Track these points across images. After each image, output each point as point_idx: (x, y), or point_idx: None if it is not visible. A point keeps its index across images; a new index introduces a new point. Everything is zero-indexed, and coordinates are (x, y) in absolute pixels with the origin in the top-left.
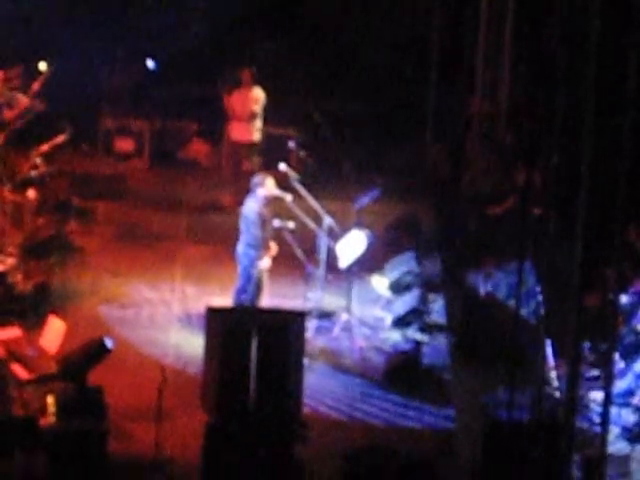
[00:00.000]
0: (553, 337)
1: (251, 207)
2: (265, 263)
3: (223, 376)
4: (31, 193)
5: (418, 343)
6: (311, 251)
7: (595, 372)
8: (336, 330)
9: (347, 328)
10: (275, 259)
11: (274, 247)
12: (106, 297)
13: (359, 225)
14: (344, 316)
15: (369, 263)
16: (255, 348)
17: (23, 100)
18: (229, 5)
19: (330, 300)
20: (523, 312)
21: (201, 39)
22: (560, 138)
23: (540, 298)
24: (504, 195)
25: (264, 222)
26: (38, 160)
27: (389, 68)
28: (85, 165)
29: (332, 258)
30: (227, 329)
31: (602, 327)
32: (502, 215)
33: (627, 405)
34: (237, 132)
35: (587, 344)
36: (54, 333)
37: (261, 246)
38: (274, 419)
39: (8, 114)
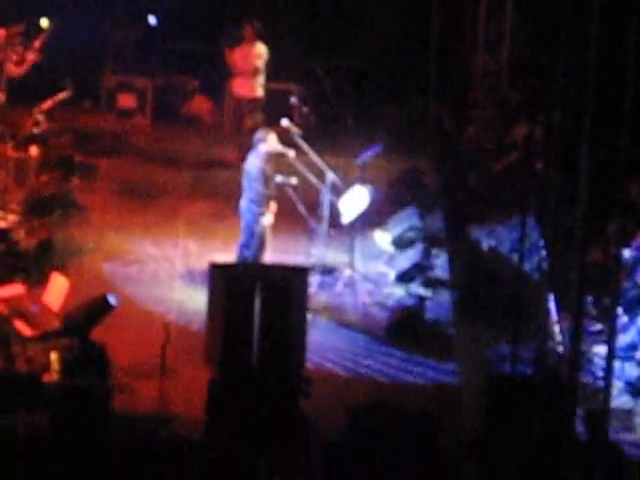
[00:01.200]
0: (556, 291)
1: (253, 163)
2: (267, 219)
3: (226, 332)
4: (33, 150)
5: (421, 298)
6: (314, 207)
7: (598, 326)
8: (339, 286)
9: (350, 284)
10: (278, 215)
11: (273, 205)
12: (109, 254)
13: (362, 180)
14: (347, 272)
15: (372, 218)
16: (258, 304)
17: (30, 56)
18: None
19: (333, 256)
20: (526, 267)
21: None
22: (562, 93)
23: (543, 253)
24: (507, 150)
25: (266, 178)
26: (40, 117)
27: (391, 23)
28: (87, 122)
29: (335, 214)
30: (230, 285)
31: (605, 281)
32: (505, 170)
33: (630, 359)
34: (240, 88)
35: (590, 298)
36: (57, 290)
37: (264, 202)
38: (277, 375)
39: (14, 70)
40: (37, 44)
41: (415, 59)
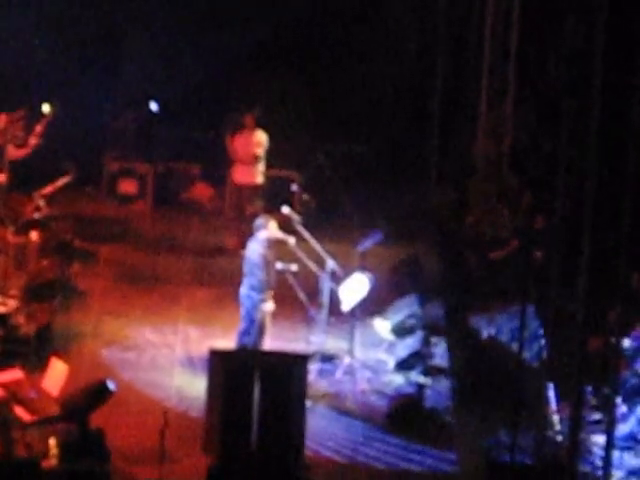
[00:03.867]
0: (556, 381)
1: (254, 250)
2: (269, 306)
3: (226, 419)
4: (34, 235)
5: (421, 386)
6: (314, 294)
7: (597, 416)
8: (339, 373)
9: (350, 371)
10: (278, 302)
11: (270, 305)
12: (109, 339)
13: (362, 268)
14: (347, 359)
15: (372, 306)
16: (258, 391)
17: (32, 140)
18: (231, 48)
19: (333, 343)
20: (526, 356)
21: (203, 81)
22: (564, 181)
23: (543, 342)
24: (507, 238)
25: (267, 265)
26: (41, 202)
27: (392, 111)
28: (88, 207)
29: (335, 301)
30: (230, 372)
31: (605, 371)
32: (505, 258)
33: (629, 449)
34: (240, 175)
35: (589, 388)
36: (56, 375)
37: (264, 289)
38: (277, 462)
39: (15, 152)
40: (39, 129)
41: (415, 145)
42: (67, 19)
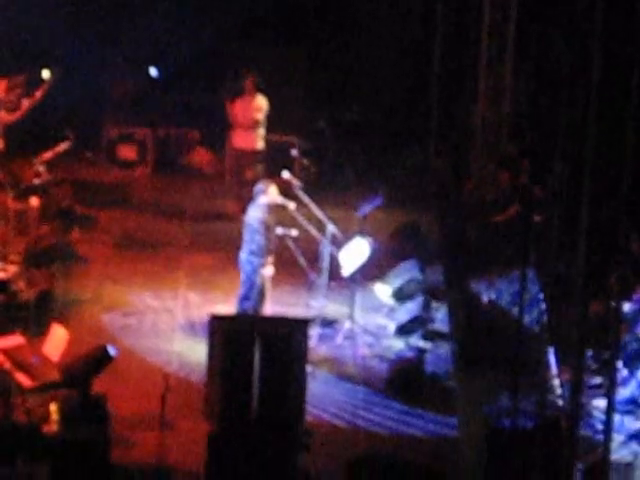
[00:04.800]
0: (556, 345)
1: (254, 215)
2: (268, 271)
3: (226, 384)
4: (34, 201)
5: (421, 351)
6: (314, 259)
7: (598, 380)
8: (339, 338)
9: (350, 336)
10: (278, 267)
11: (270, 269)
12: (109, 305)
13: (362, 233)
14: (347, 324)
15: (372, 271)
16: (258, 356)
17: (25, 103)
18: (230, 13)
19: (333, 308)
20: (526, 320)
21: (203, 47)
22: (563, 146)
23: (543, 306)
24: (507, 203)
25: (267, 230)
26: (41, 168)
27: (392, 76)
28: (88, 173)
29: (335, 266)
30: (230, 337)
31: (605, 335)
32: (505, 223)
33: (630, 413)
34: (240, 140)
35: (590, 352)
36: (57, 341)
37: (264, 254)
38: (277, 427)
39: (7, 117)
40: (38, 94)
41: (415, 111)
42: None
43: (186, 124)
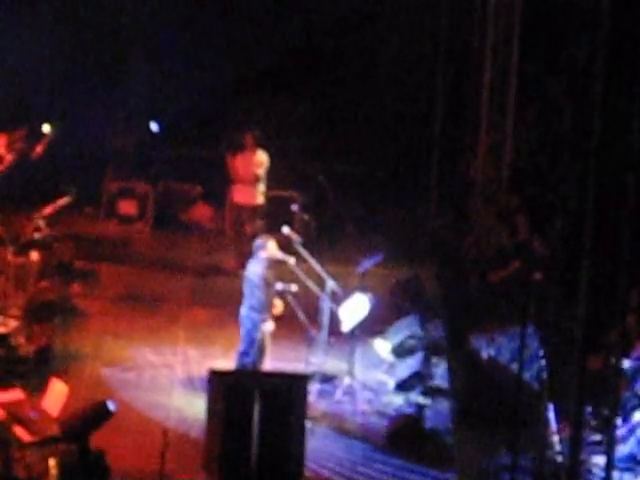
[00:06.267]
0: (556, 401)
1: (254, 270)
2: (269, 326)
3: (225, 439)
4: (34, 255)
5: (421, 407)
6: (314, 314)
7: (598, 436)
8: (338, 394)
9: (350, 392)
10: (278, 322)
11: (279, 305)
12: (109, 360)
13: (362, 288)
14: (346, 380)
15: (372, 327)
16: (257, 411)
17: (8, 156)
18: (231, 68)
19: (333, 364)
20: (526, 376)
21: (203, 101)
22: (563, 202)
23: (543, 362)
24: (507, 259)
25: (267, 285)
26: (41, 222)
27: (392, 131)
28: (88, 228)
29: (335, 321)
30: (230, 392)
31: (604, 391)
32: (505, 279)
33: (629, 470)
34: (240, 195)
35: (589, 408)
36: (56, 395)
37: (264, 309)
38: None
39: None
40: (39, 149)
41: (416, 166)
42: (69, 41)
43: (186, 179)
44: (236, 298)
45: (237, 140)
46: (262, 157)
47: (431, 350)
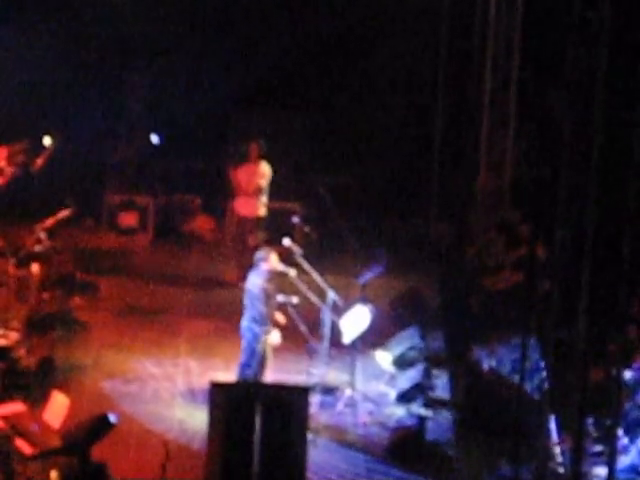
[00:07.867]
0: (557, 412)
1: (255, 282)
2: (275, 337)
3: (227, 451)
4: (35, 268)
5: (422, 418)
6: (315, 326)
7: (599, 447)
8: (340, 405)
9: (351, 403)
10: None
11: (281, 318)
12: (110, 372)
13: (363, 300)
14: (348, 391)
15: (373, 338)
16: (259, 423)
17: (8, 169)
18: (233, 79)
19: (334, 375)
20: (527, 387)
21: (204, 113)
22: (564, 213)
23: (544, 373)
24: (508, 270)
25: (268, 297)
26: (42, 235)
27: (393, 143)
28: (89, 240)
29: (336, 333)
30: (231, 404)
31: (606, 402)
32: (506, 290)
33: None
34: (243, 207)
35: (591, 419)
36: (58, 408)
37: (265, 321)
38: None
39: None
40: (40, 161)
41: (416, 176)
42: (70, 54)
43: (187, 191)
44: (237, 310)
45: (241, 151)
46: (265, 168)
47: (432, 362)
